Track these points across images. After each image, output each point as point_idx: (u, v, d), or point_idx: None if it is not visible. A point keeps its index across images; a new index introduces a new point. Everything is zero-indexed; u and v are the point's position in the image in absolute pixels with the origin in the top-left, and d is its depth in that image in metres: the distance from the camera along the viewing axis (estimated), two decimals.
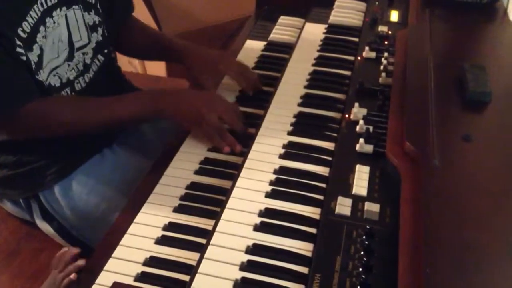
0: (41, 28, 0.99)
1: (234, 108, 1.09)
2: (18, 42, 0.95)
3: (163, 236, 0.85)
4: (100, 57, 1.16)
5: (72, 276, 0.80)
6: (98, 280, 0.78)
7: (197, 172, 0.98)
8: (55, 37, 1.02)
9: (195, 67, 1.20)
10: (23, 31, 0.95)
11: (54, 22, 1.01)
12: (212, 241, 0.81)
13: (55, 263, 0.84)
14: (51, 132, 1.05)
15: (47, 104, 1.00)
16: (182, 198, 0.93)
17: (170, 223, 0.87)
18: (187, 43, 1.26)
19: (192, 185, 0.95)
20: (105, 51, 1.17)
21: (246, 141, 1.02)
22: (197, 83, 1.19)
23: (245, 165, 0.96)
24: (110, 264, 0.81)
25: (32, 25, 0.97)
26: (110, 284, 0.76)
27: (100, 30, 1.14)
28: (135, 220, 0.88)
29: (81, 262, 0.82)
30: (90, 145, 1.14)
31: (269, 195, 0.90)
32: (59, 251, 0.85)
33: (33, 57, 0.98)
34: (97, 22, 1.13)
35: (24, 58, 0.96)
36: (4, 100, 0.96)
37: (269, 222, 0.85)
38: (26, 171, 1.09)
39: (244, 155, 0.99)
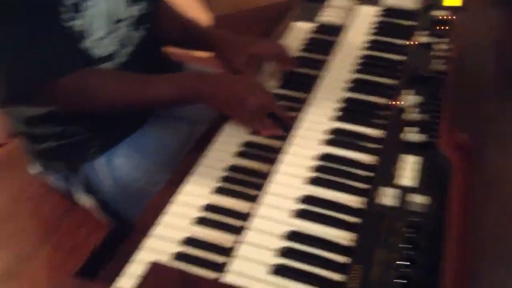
0: None
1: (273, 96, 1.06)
2: (64, 9, 0.95)
3: (200, 217, 0.84)
4: (141, 31, 1.14)
5: None
6: (136, 258, 0.78)
7: (238, 155, 0.97)
8: (100, 7, 1.02)
9: (226, 52, 1.16)
10: None
11: None
12: (251, 226, 0.80)
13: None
14: (90, 107, 1.04)
15: (88, 77, 1.00)
16: (221, 180, 0.91)
17: (208, 205, 0.86)
18: (218, 31, 1.21)
19: (232, 168, 0.94)
20: (147, 25, 1.15)
21: (288, 125, 0.99)
22: (233, 69, 1.15)
23: (287, 150, 0.93)
24: (148, 242, 0.81)
25: None
26: (147, 262, 0.75)
27: (143, 4, 1.12)
28: (173, 200, 0.88)
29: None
30: (134, 119, 1.15)
31: (310, 181, 0.87)
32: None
33: (79, 25, 0.98)
34: None
35: (70, 25, 0.96)
36: (47, 68, 0.96)
37: (310, 209, 0.82)
38: (71, 142, 1.11)
39: (286, 139, 0.96)
